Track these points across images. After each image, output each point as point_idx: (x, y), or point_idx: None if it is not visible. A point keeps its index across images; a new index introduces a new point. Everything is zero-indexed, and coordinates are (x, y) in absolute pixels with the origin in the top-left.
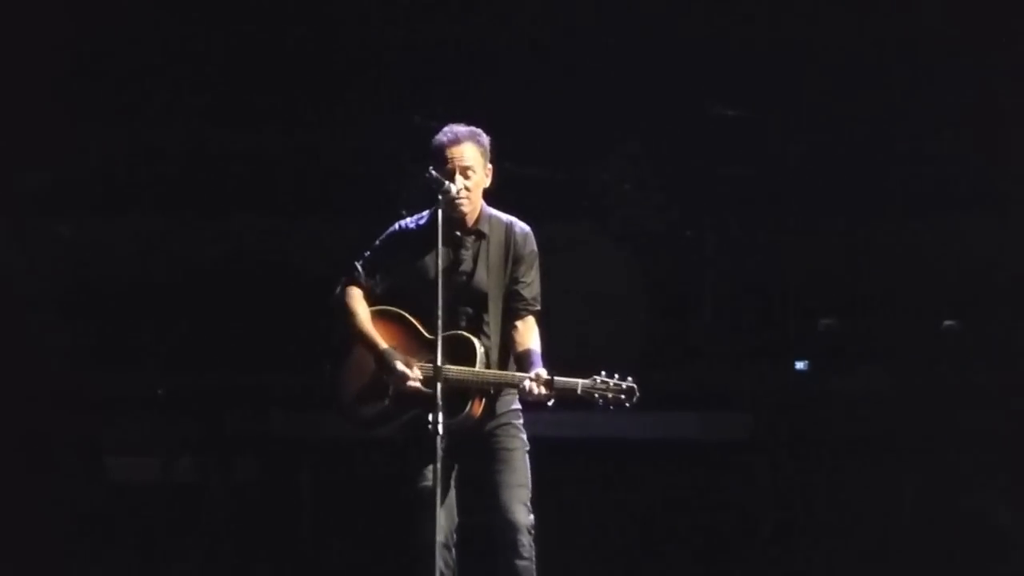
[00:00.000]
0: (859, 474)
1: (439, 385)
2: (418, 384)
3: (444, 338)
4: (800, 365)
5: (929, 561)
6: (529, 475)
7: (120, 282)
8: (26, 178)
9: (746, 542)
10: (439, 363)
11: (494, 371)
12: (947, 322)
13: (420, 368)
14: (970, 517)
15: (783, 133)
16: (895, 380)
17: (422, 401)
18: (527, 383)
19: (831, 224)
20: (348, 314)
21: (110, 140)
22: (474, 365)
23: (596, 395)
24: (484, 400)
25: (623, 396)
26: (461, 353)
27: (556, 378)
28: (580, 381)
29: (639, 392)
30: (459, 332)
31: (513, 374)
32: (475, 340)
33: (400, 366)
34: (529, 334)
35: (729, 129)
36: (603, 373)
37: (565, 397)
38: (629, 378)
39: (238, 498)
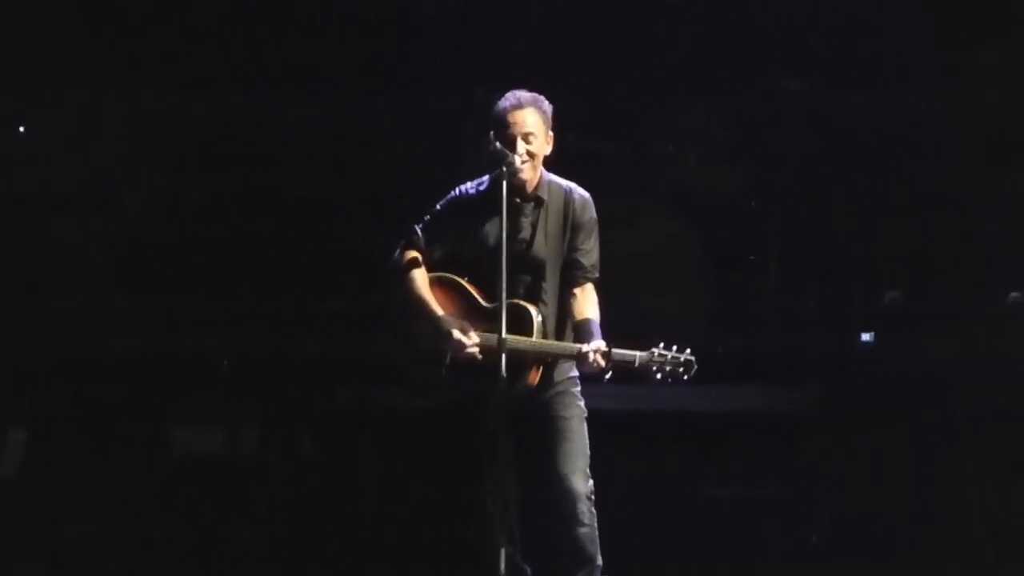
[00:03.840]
0: (922, 447)
1: (503, 355)
2: (475, 352)
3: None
4: (866, 337)
5: (992, 538)
6: (587, 443)
7: (186, 251)
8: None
9: (809, 517)
10: (503, 333)
11: (551, 341)
12: (1013, 294)
13: (477, 336)
14: None
15: (848, 104)
16: (961, 353)
17: (478, 370)
18: (586, 354)
19: (897, 195)
20: (406, 279)
21: (177, 106)
22: (531, 334)
23: (654, 368)
24: (541, 369)
25: (681, 369)
26: (518, 322)
27: (614, 350)
28: (638, 354)
29: (697, 365)
30: (516, 301)
31: (570, 344)
32: (532, 309)
33: (457, 334)
34: (587, 303)
35: (795, 100)
36: (661, 345)
37: (622, 370)
38: (687, 350)
39: (301, 471)
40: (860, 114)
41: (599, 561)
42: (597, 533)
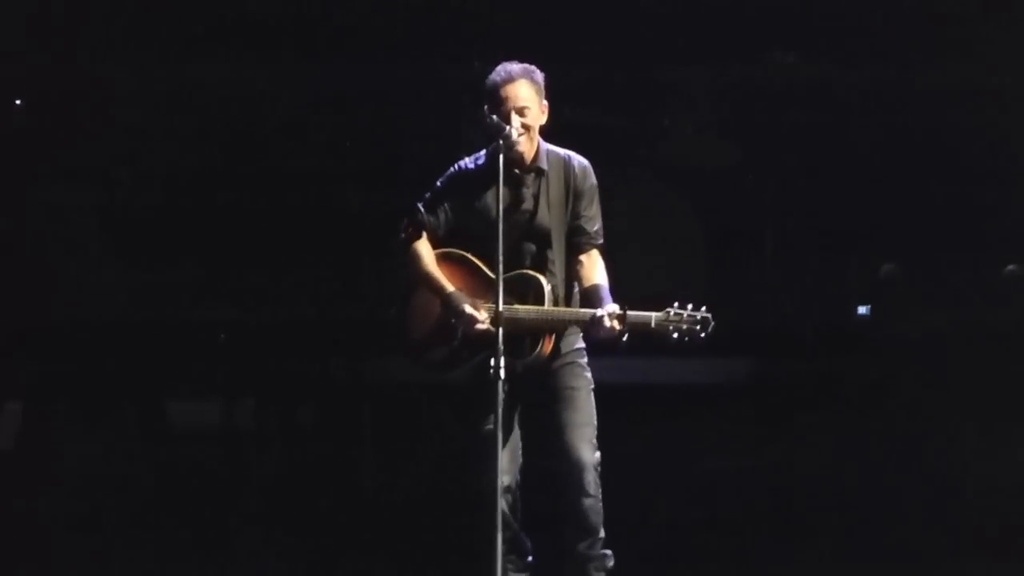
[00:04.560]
0: (918, 419)
1: (500, 328)
2: (487, 326)
3: (511, 278)
4: (862, 310)
5: (988, 511)
6: (594, 413)
7: (183, 223)
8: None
9: (805, 491)
10: (500, 305)
11: (564, 308)
12: (1010, 266)
13: (487, 310)
14: None
15: (845, 79)
16: (957, 325)
17: (491, 343)
18: (601, 318)
19: (894, 168)
20: (412, 257)
21: (172, 77)
22: (543, 303)
23: (670, 328)
24: (554, 339)
25: (698, 327)
26: (529, 292)
27: (629, 312)
28: (653, 315)
29: (714, 322)
30: (525, 271)
31: (584, 310)
32: (542, 278)
33: (468, 309)
34: (595, 268)
35: (791, 73)
36: (676, 305)
37: (638, 332)
38: (703, 308)
39: (299, 443)
40: (856, 86)
41: (602, 533)
42: (602, 505)
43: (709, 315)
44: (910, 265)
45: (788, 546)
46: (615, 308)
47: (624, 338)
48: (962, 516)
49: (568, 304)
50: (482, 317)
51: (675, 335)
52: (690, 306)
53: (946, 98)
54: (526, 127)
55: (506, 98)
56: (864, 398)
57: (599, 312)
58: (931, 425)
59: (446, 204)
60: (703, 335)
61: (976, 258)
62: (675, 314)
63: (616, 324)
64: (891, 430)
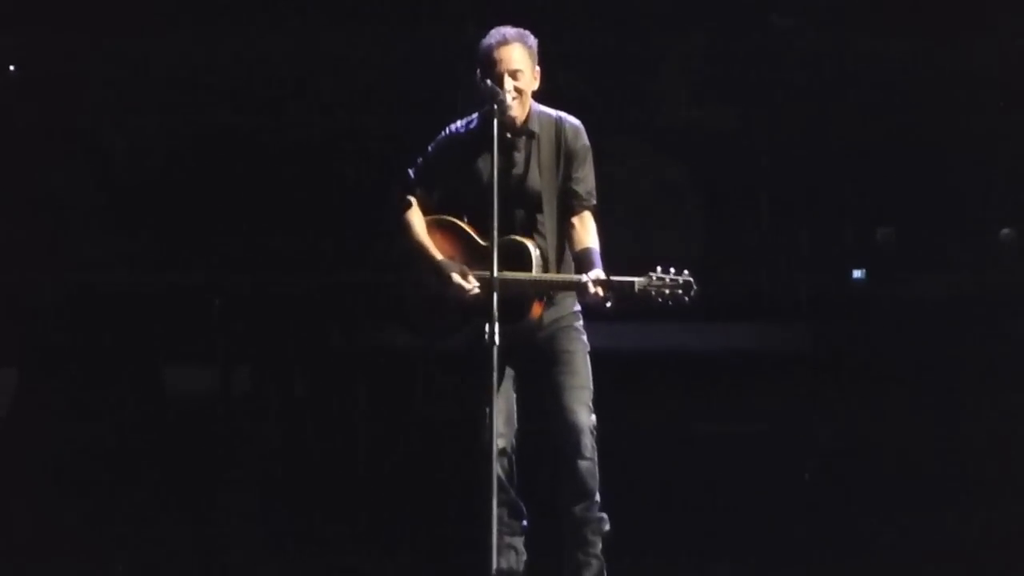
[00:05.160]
0: (914, 385)
1: (495, 294)
2: (476, 292)
3: (499, 243)
4: (857, 274)
5: (983, 478)
6: (590, 376)
7: (175, 185)
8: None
9: (803, 456)
10: (495, 271)
11: (551, 274)
12: (1005, 230)
13: (476, 277)
14: None
15: (841, 41)
16: (953, 290)
17: (482, 310)
18: (585, 284)
19: (890, 132)
20: (403, 225)
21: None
22: (530, 269)
23: (653, 292)
24: (544, 303)
25: (680, 291)
26: (516, 258)
27: (612, 277)
28: (636, 279)
29: (696, 286)
30: (512, 237)
31: (570, 276)
32: (529, 243)
33: (456, 277)
34: (586, 231)
35: (788, 36)
36: (659, 269)
37: (623, 297)
38: (685, 271)
39: (295, 410)
40: (853, 50)
41: (597, 497)
42: (597, 467)
43: (691, 279)
44: (905, 229)
45: (785, 511)
46: (599, 274)
47: (608, 304)
48: (957, 479)
49: (561, 268)
50: (470, 285)
51: (659, 299)
52: (672, 270)
53: (942, 62)
54: (518, 91)
55: (499, 60)
56: (859, 363)
57: (583, 278)
58: (926, 389)
59: (437, 169)
60: (686, 299)
61: (971, 222)
62: (657, 278)
63: (600, 289)
64: (885, 394)
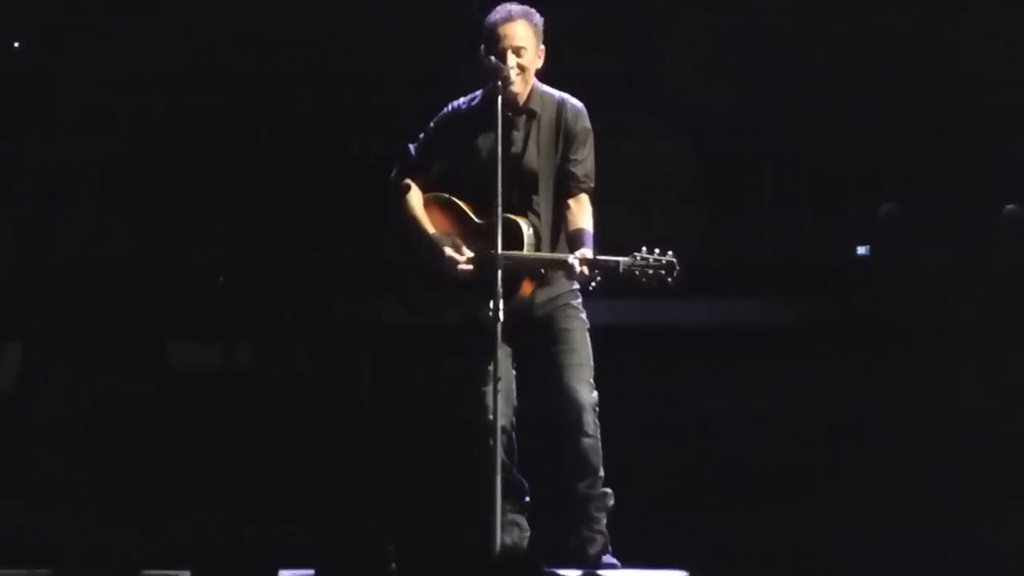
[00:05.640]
0: (918, 362)
1: (499, 271)
2: (467, 268)
3: (491, 222)
4: (862, 250)
5: (985, 456)
6: (590, 354)
7: (183, 166)
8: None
9: (804, 432)
10: (498, 248)
11: (540, 253)
12: (1009, 206)
13: (469, 252)
14: None
15: (846, 18)
16: (956, 266)
17: (476, 286)
18: (571, 263)
19: (894, 107)
20: (401, 200)
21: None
22: (521, 247)
23: (637, 272)
24: (535, 282)
25: (663, 271)
26: (508, 235)
27: (598, 257)
28: (621, 259)
29: (679, 266)
30: (506, 215)
31: (558, 255)
32: (522, 222)
33: (448, 251)
34: (581, 213)
35: (792, 12)
36: (644, 249)
37: (609, 277)
38: (669, 252)
39: (297, 386)
40: (856, 26)
41: (601, 472)
42: (600, 444)
43: (674, 260)
44: (909, 205)
45: (789, 487)
46: (585, 253)
47: (592, 285)
48: (962, 454)
49: (556, 247)
50: (462, 259)
51: (643, 280)
52: (656, 250)
53: (947, 36)
54: (521, 68)
55: (503, 36)
56: (862, 338)
57: (570, 258)
58: (930, 364)
59: (437, 145)
60: (669, 279)
61: (975, 198)
62: (641, 258)
63: (585, 269)
64: (890, 369)
